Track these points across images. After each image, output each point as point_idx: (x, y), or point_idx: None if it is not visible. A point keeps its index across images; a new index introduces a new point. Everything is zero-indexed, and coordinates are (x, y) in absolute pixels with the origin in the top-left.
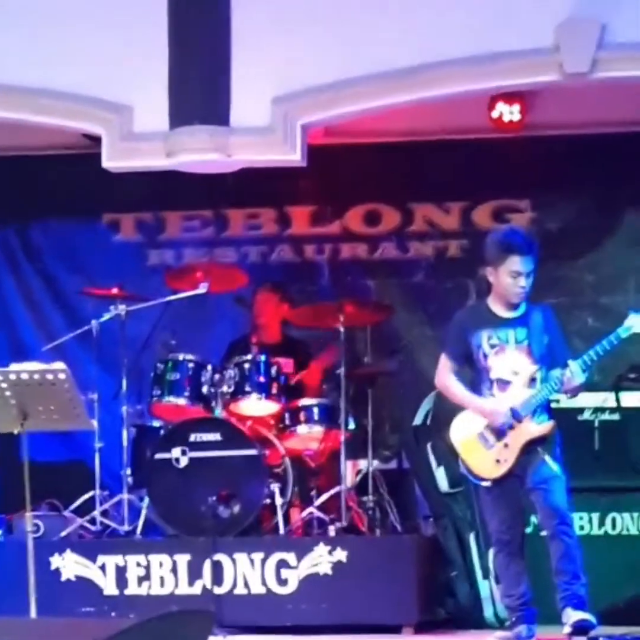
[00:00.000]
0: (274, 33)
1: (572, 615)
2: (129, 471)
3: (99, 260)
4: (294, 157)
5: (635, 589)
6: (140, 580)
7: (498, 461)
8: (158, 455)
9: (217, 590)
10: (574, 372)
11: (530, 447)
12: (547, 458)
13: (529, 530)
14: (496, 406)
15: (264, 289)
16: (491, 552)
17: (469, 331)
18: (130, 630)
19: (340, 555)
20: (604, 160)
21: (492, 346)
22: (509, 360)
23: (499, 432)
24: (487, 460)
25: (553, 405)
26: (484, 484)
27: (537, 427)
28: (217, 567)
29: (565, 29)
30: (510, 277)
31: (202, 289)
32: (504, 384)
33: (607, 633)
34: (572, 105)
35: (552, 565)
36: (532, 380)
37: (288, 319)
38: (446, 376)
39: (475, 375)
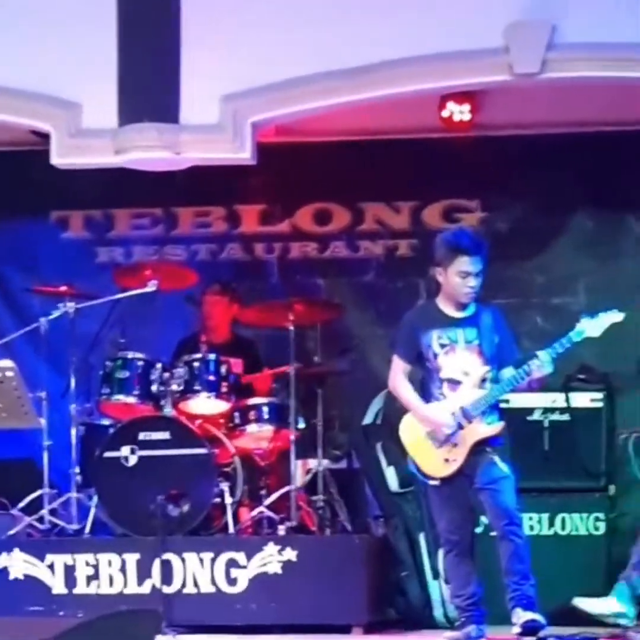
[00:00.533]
0: (223, 31)
1: (521, 616)
2: (77, 470)
3: (47, 257)
4: (244, 155)
5: (584, 589)
6: (89, 579)
7: (447, 460)
8: (107, 454)
9: (167, 590)
10: (544, 361)
11: (480, 447)
12: (496, 458)
13: (479, 530)
14: (441, 417)
15: (212, 291)
16: (441, 553)
17: (419, 331)
18: (78, 629)
19: (290, 554)
20: (554, 161)
21: (442, 346)
22: (459, 360)
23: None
24: (436, 459)
25: (503, 405)
26: (433, 482)
27: (487, 427)
28: (167, 567)
29: (515, 30)
30: (459, 277)
31: (151, 287)
32: (454, 384)
33: (557, 633)
34: (522, 105)
35: (502, 565)
36: (483, 380)
37: (238, 318)
38: (398, 378)
39: (425, 375)
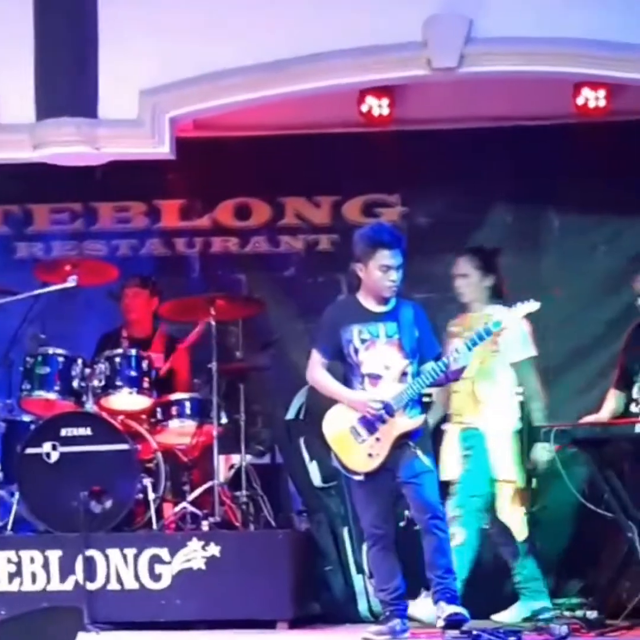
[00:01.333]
0: (141, 25)
1: (445, 609)
2: None
3: None
4: (163, 150)
5: (508, 583)
6: (11, 576)
7: (370, 455)
8: (28, 450)
9: (90, 586)
10: (461, 352)
11: (402, 441)
12: (419, 452)
13: (402, 524)
14: (367, 398)
15: (132, 285)
16: (365, 547)
17: (340, 326)
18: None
19: (214, 550)
20: (473, 156)
21: (363, 341)
22: (380, 355)
23: (371, 425)
24: (359, 454)
25: (425, 399)
26: (357, 478)
27: (409, 421)
28: (90, 563)
29: (433, 24)
30: (381, 271)
31: (71, 282)
32: (374, 378)
33: (480, 626)
34: (441, 100)
35: (425, 559)
36: (403, 374)
37: (159, 313)
38: (317, 370)
39: (347, 370)
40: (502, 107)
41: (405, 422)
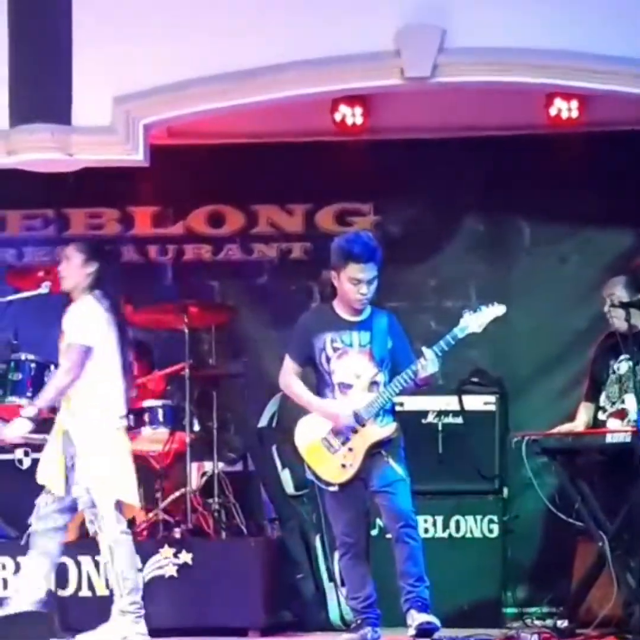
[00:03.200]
0: (115, 32)
1: (416, 618)
2: None
3: None
4: (137, 157)
5: (478, 592)
6: None
7: (344, 466)
8: (0, 456)
9: (62, 593)
10: (429, 359)
11: (375, 450)
12: (391, 461)
13: (374, 532)
14: (339, 408)
15: None
16: (336, 555)
17: (313, 334)
18: None
19: (186, 557)
20: (446, 165)
21: (335, 349)
22: (351, 364)
23: (343, 436)
24: (332, 465)
25: (397, 408)
26: (331, 489)
27: (381, 429)
28: (62, 570)
29: (406, 34)
30: (351, 283)
31: (44, 288)
32: (345, 387)
33: (451, 635)
34: (414, 109)
35: (397, 567)
36: (374, 383)
37: (131, 320)
38: (289, 377)
39: (318, 378)
40: (475, 117)
41: (377, 431)
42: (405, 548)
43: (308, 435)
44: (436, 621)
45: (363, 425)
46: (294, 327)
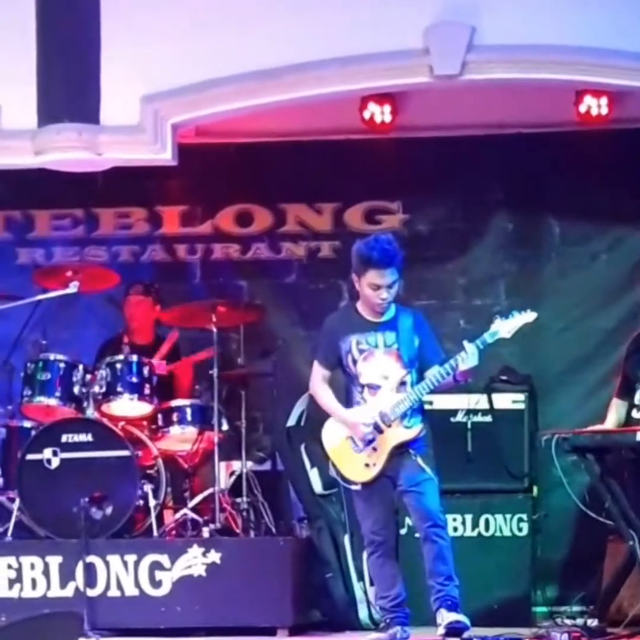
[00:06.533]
0: (143, 31)
1: (446, 617)
2: None
3: None
4: (165, 156)
5: (508, 591)
6: (11, 582)
7: (367, 465)
8: (29, 456)
9: (90, 593)
10: (470, 352)
11: (402, 450)
12: (419, 460)
13: (403, 531)
14: (359, 419)
15: (135, 292)
16: (365, 554)
17: (339, 337)
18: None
19: (214, 557)
20: (474, 163)
21: (361, 351)
22: (379, 365)
23: (366, 441)
24: (356, 464)
25: (427, 406)
26: (354, 487)
27: (406, 431)
28: (90, 569)
29: (435, 31)
30: (370, 288)
31: (72, 288)
32: (373, 388)
33: (481, 634)
34: (442, 107)
35: (426, 567)
36: (402, 384)
37: (161, 320)
38: (317, 383)
39: (347, 380)
40: (504, 115)
41: (401, 433)
42: (433, 547)
43: (334, 434)
44: (466, 620)
45: (389, 426)
46: (320, 331)
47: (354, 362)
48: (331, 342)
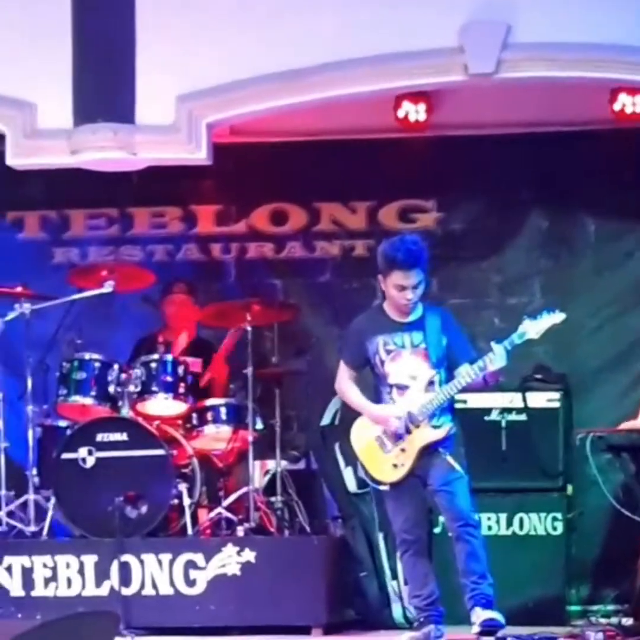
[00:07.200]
0: (178, 31)
1: (480, 615)
2: (35, 471)
3: (2, 258)
4: (200, 155)
5: (542, 589)
6: (47, 581)
7: (395, 465)
8: (64, 455)
9: (125, 591)
10: (497, 353)
11: (431, 450)
12: (450, 459)
13: (437, 530)
14: (390, 413)
15: (179, 290)
16: (398, 553)
17: (366, 337)
18: (36, 631)
19: (249, 555)
20: (509, 161)
21: (388, 352)
22: (406, 365)
23: (396, 436)
24: (384, 465)
25: (460, 405)
26: (382, 488)
27: (434, 432)
28: (125, 568)
29: (470, 30)
30: (396, 290)
31: (107, 287)
32: (402, 388)
33: (515, 633)
34: (477, 105)
35: (459, 566)
36: (431, 383)
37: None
38: (343, 382)
39: (376, 381)
40: (538, 113)
41: (430, 433)
42: (466, 546)
43: (363, 435)
44: (501, 618)
45: (417, 426)
46: (347, 331)
47: (382, 362)
48: (358, 342)
